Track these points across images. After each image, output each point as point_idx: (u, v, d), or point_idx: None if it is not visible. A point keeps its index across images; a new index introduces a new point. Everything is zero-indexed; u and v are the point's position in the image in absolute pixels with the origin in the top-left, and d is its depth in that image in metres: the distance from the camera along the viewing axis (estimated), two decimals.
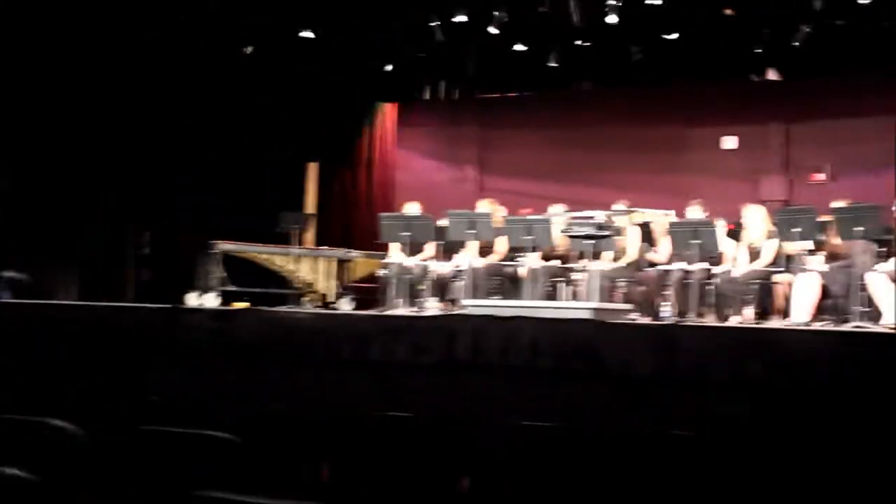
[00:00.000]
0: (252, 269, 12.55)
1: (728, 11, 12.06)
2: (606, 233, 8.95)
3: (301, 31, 13.14)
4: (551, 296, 10.27)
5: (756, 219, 10.08)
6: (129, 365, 8.89)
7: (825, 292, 9.28)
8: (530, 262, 10.17)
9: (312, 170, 15.80)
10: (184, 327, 8.99)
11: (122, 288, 12.61)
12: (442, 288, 11.12)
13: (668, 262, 10.41)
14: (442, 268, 11.04)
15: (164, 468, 4.18)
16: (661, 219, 11.67)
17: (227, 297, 12.02)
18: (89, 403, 5.76)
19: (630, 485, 4.77)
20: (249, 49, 13.48)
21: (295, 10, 12.90)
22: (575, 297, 10.39)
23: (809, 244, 9.81)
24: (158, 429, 4.33)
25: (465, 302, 9.61)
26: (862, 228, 8.71)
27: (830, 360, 6.77)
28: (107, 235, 12.75)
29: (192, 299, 11.65)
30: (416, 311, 10.22)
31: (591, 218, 8.88)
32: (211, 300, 11.64)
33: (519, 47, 13.67)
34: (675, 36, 12.91)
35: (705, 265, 9.89)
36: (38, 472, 3.47)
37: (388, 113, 16.71)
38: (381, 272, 11.73)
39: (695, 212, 10.50)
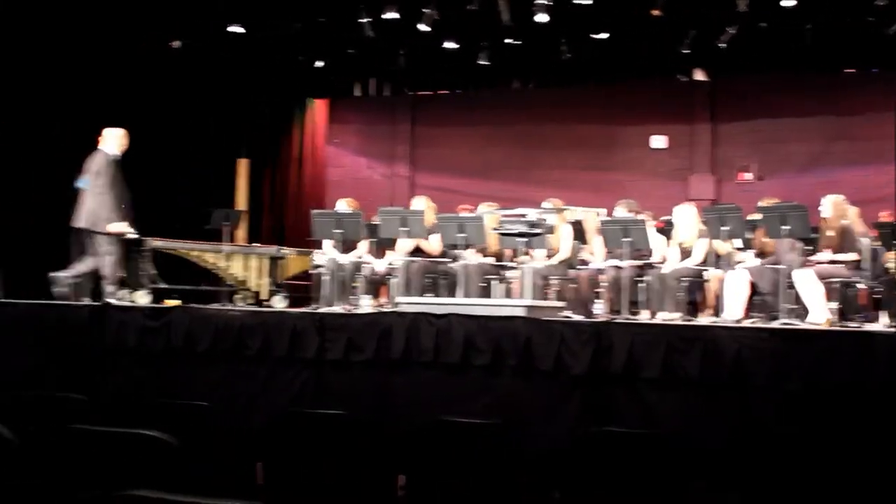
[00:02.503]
0: (185, 266, 12.38)
1: (656, 12, 12.17)
2: (538, 231, 8.94)
3: (230, 26, 13.00)
4: (485, 293, 10.27)
5: (686, 218, 10.18)
6: (57, 363, 8.75)
7: (754, 289, 9.41)
8: (463, 260, 10.17)
9: (243, 166, 15.67)
10: (114, 325, 8.86)
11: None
12: (375, 285, 11.08)
13: (601, 260, 10.49)
14: (375, 265, 11.02)
15: (94, 467, 4.10)
16: (591, 217, 11.75)
17: (159, 295, 11.86)
18: (16, 403, 5.64)
19: (569, 480, 4.80)
20: (178, 43, 13.30)
21: (224, 4, 12.75)
22: (508, 294, 10.42)
23: (738, 242, 9.95)
24: (88, 428, 4.25)
25: (398, 299, 9.59)
26: (789, 227, 8.84)
27: (762, 356, 6.88)
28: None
29: (123, 297, 11.47)
30: (350, 309, 10.16)
31: (524, 216, 8.87)
32: (141, 297, 11.48)
33: (450, 45, 13.70)
34: (604, 36, 13.02)
35: (637, 262, 9.97)
36: None
37: (318, 109, 16.62)
38: (313, 269, 11.66)
39: (621, 211, 10.58)
